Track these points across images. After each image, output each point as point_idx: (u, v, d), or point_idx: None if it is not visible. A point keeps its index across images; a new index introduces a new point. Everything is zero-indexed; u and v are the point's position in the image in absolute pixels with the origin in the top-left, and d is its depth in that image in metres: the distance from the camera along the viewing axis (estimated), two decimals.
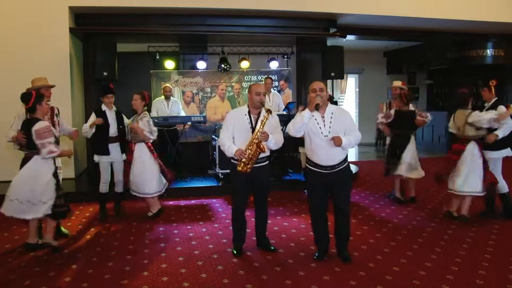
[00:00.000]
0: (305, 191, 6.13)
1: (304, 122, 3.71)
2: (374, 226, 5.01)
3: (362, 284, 3.47)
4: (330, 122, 3.74)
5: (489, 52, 9.91)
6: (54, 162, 4.22)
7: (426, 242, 4.44)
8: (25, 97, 4.08)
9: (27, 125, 4.06)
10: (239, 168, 3.85)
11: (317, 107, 3.65)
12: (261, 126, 3.82)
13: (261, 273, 3.70)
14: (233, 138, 3.98)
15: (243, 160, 3.83)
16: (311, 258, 3.97)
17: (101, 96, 5.29)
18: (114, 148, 5.21)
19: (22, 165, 4.10)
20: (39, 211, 4.05)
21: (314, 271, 3.74)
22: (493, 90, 5.05)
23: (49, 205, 4.07)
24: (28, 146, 4.08)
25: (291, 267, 3.82)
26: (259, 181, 4.01)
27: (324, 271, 3.72)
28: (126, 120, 5.36)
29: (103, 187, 5.32)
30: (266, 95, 7.42)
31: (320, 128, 3.73)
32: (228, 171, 6.48)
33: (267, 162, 4.07)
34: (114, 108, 5.31)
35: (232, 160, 4.02)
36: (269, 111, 3.85)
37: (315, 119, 3.75)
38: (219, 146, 6.67)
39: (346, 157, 3.85)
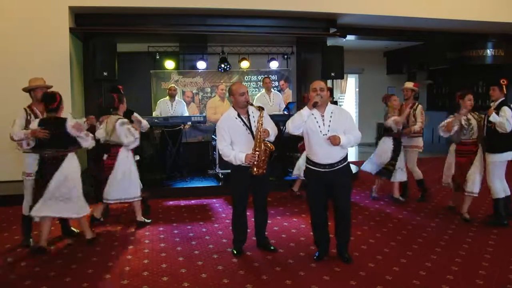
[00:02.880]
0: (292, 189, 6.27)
1: (302, 120, 3.71)
2: (374, 226, 5.02)
3: (362, 284, 3.47)
4: (330, 121, 3.75)
5: (489, 52, 9.90)
6: None
7: (426, 242, 4.44)
8: (50, 98, 4.15)
9: (55, 124, 4.09)
10: (255, 173, 3.84)
11: (315, 105, 3.67)
12: (260, 125, 3.83)
13: (261, 273, 3.70)
14: (232, 144, 3.96)
15: (255, 163, 3.81)
16: (311, 258, 3.97)
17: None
18: None
19: (55, 166, 4.09)
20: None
21: (314, 271, 3.74)
22: (504, 89, 4.92)
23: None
24: (57, 145, 4.11)
25: (291, 267, 3.82)
26: (259, 181, 4.01)
27: (324, 271, 3.72)
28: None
29: None
30: (267, 95, 7.48)
31: (319, 126, 3.74)
32: (228, 171, 6.55)
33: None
34: None
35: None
36: (261, 108, 3.86)
37: (315, 117, 3.75)
38: None
39: (346, 156, 3.85)
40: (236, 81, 8.32)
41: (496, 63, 9.96)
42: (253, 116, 3.97)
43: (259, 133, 3.82)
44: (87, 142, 4.24)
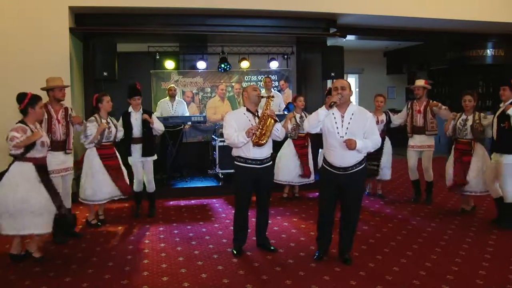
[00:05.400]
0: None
1: (319, 120, 3.65)
2: (374, 226, 5.02)
3: (362, 284, 3.47)
4: (349, 123, 3.65)
5: (489, 52, 9.89)
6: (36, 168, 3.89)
7: (426, 242, 4.44)
8: (19, 97, 3.88)
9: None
10: (255, 141, 3.82)
11: (331, 106, 3.59)
12: (267, 106, 3.88)
13: (261, 273, 3.70)
14: None
15: (257, 132, 3.82)
16: (311, 258, 3.97)
17: (128, 98, 5.31)
18: (137, 149, 5.25)
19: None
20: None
21: (314, 271, 3.74)
22: None
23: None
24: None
25: (291, 267, 3.82)
26: (263, 181, 4.01)
27: (324, 271, 3.72)
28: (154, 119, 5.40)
29: (136, 187, 5.38)
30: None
31: (337, 128, 3.65)
32: (228, 171, 6.58)
33: (271, 162, 4.08)
34: (141, 109, 5.32)
35: (235, 162, 4.03)
36: (271, 96, 4.00)
37: (334, 117, 3.68)
38: (219, 146, 6.73)
39: (363, 159, 3.74)
40: (236, 81, 8.34)
41: (496, 63, 9.95)
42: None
43: (266, 110, 3.86)
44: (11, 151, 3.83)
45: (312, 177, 6.13)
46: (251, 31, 7.68)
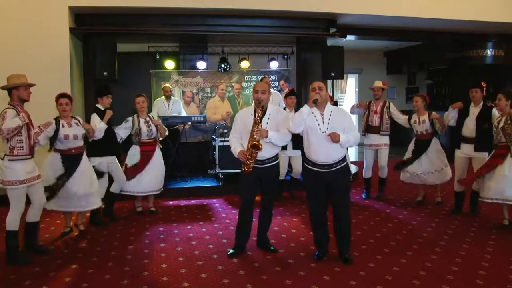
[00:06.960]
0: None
1: (303, 118, 3.72)
2: (374, 226, 5.02)
3: (362, 284, 3.47)
4: (329, 119, 3.77)
5: (489, 52, 9.88)
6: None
7: (426, 242, 4.45)
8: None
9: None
10: (244, 169, 3.91)
11: (315, 102, 3.70)
12: (256, 126, 3.85)
13: (261, 273, 3.70)
14: (242, 139, 4.02)
15: (245, 160, 3.90)
16: (311, 258, 3.97)
17: (99, 97, 5.21)
18: None
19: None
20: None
21: (314, 271, 3.74)
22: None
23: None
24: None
25: (291, 267, 3.82)
26: (265, 181, 4.02)
27: (324, 271, 3.72)
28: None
29: (117, 187, 5.32)
30: None
31: (318, 124, 3.75)
32: (228, 171, 6.59)
33: (276, 162, 4.07)
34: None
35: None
36: (262, 110, 3.93)
37: (314, 116, 3.77)
38: (219, 146, 6.74)
39: (345, 157, 3.85)
40: (236, 81, 8.34)
41: (496, 63, 9.94)
42: (268, 118, 3.98)
43: (253, 133, 3.84)
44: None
45: None
46: (251, 31, 7.68)
